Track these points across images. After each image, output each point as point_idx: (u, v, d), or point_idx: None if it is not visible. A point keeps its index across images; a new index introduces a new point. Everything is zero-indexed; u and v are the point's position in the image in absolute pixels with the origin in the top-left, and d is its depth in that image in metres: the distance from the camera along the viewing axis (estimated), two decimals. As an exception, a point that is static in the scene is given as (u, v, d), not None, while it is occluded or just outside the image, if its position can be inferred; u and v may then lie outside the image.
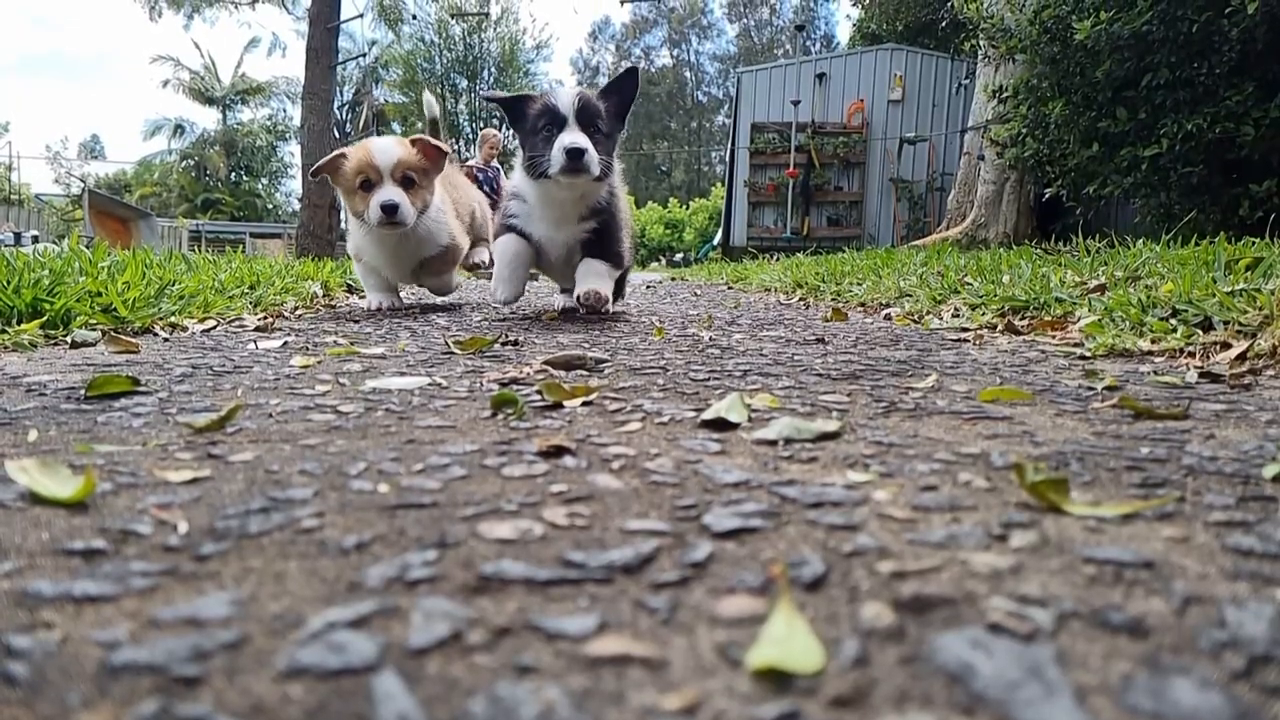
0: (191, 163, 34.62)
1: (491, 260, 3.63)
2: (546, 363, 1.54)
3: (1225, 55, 4.97)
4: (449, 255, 3.31)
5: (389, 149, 2.96)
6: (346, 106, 33.43)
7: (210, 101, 34.88)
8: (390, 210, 2.89)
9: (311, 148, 12.06)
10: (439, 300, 3.69)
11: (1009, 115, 6.75)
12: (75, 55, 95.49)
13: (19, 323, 2.03)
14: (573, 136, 2.45)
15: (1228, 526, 0.65)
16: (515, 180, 2.79)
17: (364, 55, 30.03)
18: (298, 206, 16.85)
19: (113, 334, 2.01)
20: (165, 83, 34.05)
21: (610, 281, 2.75)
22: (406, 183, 2.95)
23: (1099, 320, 2.07)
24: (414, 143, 3.04)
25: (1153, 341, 1.78)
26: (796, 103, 12.76)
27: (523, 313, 3.08)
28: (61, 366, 1.54)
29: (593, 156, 2.46)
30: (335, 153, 3.07)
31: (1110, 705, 0.40)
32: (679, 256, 25.09)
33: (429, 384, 1.36)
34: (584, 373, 1.50)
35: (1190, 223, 4.90)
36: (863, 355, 1.77)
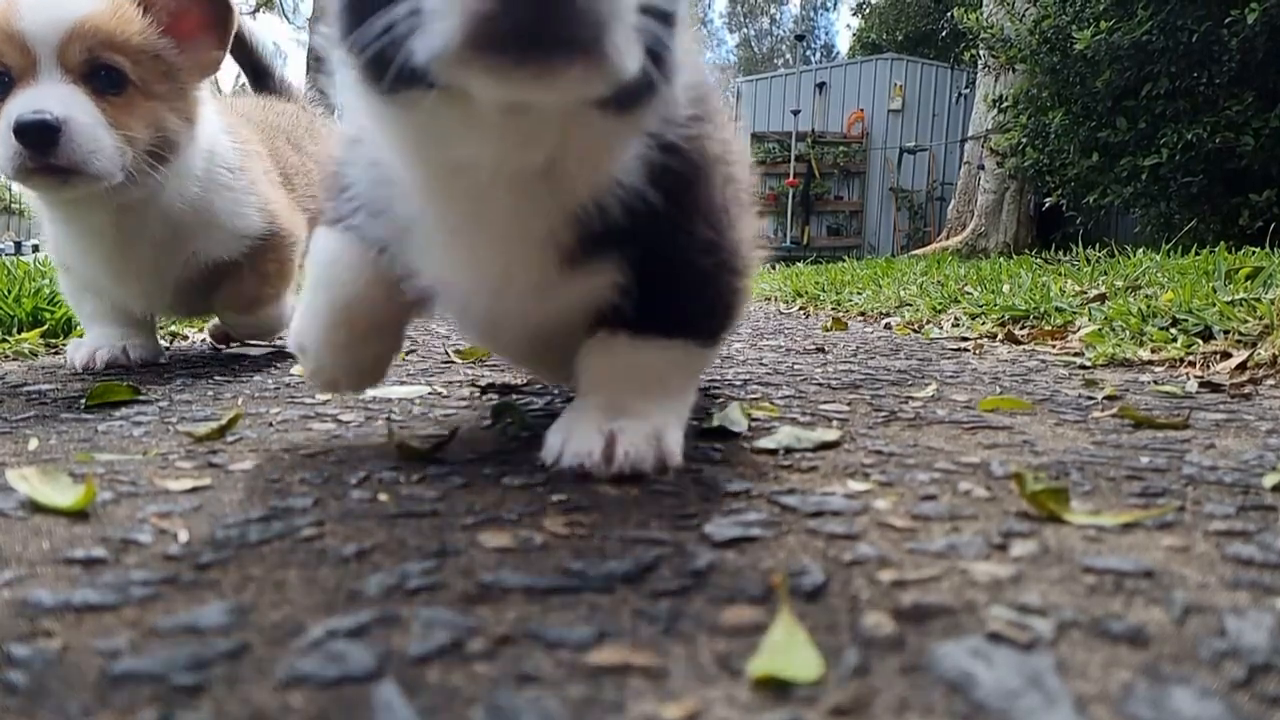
0: (193, 172, 34.67)
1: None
2: (547, 371, 1.53)
3: (1225, 65, 4.99)
4: (270, 255, 1.67)
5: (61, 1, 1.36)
6: (348, 116, 33.44)
7: (212, 110, 34.93)
8: (35, 135, 1.27)
9: (313, 157, 12.02)
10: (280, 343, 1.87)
11: (1009, 125, 6.76)
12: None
13: (19, 331, 2.03)
14: None
15: (1228, 536, 0.65)
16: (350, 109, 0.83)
17: (365, 64, 30.02)
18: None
19: (114, 343, 2.01)
20: (167, 92, 34.14)
21: (689, 398, 0.96)
22: (105, 79, 1.36)
23: (1099, 329, 2.07)
24: None
25: (1153, 351, 1.78)
26: (796, 112, 12.79)
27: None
28: (62, 375, 1.55)
29: None
30: None
31: (1110, 714, 0.40)
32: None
33: (429, 393, 1.36)
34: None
35: (1190, 232, 4.92)
36: (863, 364, 1.77)
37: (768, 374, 1.61)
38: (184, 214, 1.53)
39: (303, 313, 0.94)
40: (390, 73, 0.62)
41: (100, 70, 1.36)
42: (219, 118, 1.62)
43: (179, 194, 1.51)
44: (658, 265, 0.82)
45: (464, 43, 0.56)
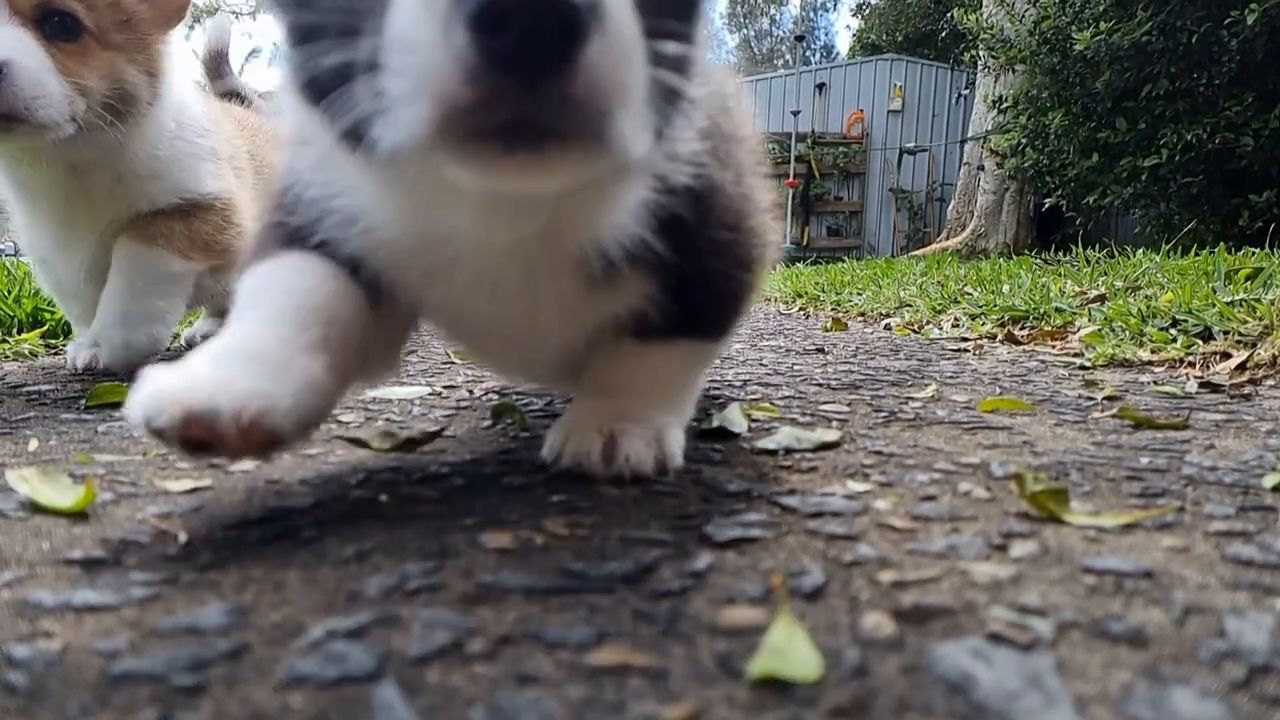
0: (193, 172, 34.63)
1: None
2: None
3: (1225, 66, 5.00)
4: (210, 215, 1.51)
5: None
6: (348, 116, 33.39)
7: (212, 111, 34.90)
8: None
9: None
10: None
11: (1009, 125, 6.77)
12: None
13: (20, 332, 2.03)
14: None
15: (1228, 536, 0.65)
16: (306, 151, 0.74)
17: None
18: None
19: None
20: (168, 93, 34.13)
21: (693, 396, 0.97)
22: (58, 25, 1.28)
23: (1099, 330, 2.08)
24: None
25: (1153, 351, 1.78)
26: (796, 113, 12.79)
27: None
28: (62, 375, 1.55)
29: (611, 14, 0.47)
30: None
31: (1110, 715, 0.40)
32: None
33: (429, 393, 1.36)
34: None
35: (1190, 233, 4.92)
36: (863, 365, 1.77)
37: (768, 374, 1.61)
38: (142, 176, 1.44)
39: (213, 340, 0.69)
40: (361, 149, 0.54)
41: (53, 15, 1.27)
42: (189, 76, 1.53)
43: (141, 154, 1.41)
44: (675, 273, 0.77)
45: (435, 134, 0.48)
